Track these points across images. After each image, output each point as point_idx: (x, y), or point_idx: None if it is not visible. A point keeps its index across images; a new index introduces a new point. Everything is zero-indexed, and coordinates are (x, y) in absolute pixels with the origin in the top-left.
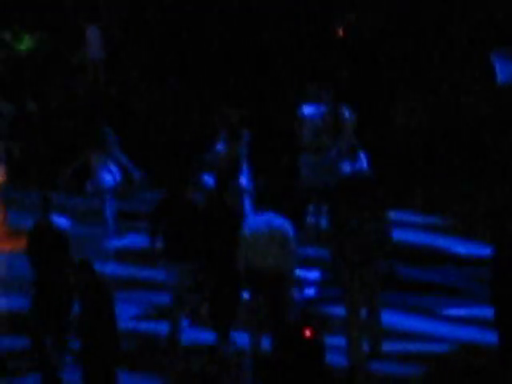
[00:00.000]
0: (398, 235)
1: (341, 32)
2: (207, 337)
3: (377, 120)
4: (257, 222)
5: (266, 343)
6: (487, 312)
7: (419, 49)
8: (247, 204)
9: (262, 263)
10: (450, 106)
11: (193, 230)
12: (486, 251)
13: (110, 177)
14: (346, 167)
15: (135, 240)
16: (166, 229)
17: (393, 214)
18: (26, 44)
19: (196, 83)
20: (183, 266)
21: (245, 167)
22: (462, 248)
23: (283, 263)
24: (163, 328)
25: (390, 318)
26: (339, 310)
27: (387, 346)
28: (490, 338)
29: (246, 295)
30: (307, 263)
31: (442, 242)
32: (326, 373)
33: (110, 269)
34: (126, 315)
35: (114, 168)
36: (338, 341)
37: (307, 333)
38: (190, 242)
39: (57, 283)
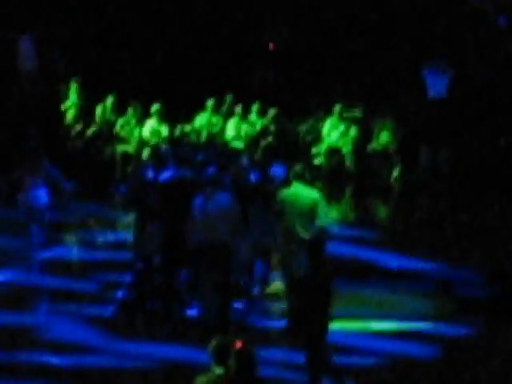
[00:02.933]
0: (330, 248)
1: (271, 46)
2: None
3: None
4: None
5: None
6: (418, 326)
7: (351, 63)
8: None
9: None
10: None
11: None
12: (417, 265)
13: (42, 191)
14: None
15: (64, 252)
16: None
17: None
18: None
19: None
20: None
21: None
22: (393, 262)
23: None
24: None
25: None
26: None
27: None
28: (421, 351)
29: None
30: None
31: (372, 256)
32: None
33: (38, 280)
34: (55, 327)
35: (44, 181)
36: (274, 353)
37: (238, 344)
38: None
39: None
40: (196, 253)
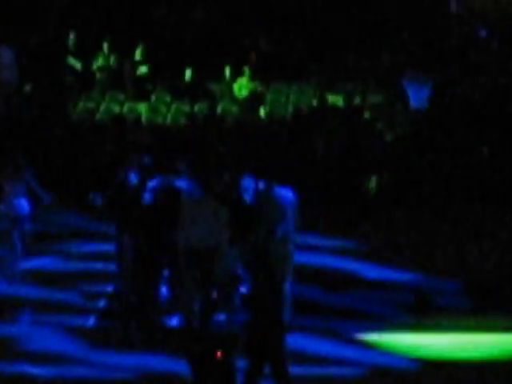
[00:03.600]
0: (308, 259)
1: (253, 57)
2: None
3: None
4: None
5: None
6: (398, 336)
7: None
8: None
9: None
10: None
11: None
12: (395, 276)
13: (24, 201)
14: None
15: (45, 262)
16: None
17: (301, 238)
18: None
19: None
20: None
21: None
22: (371, 272)
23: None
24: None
25: (301, 342)
26: None
27: (299, 370)
28: (399, 362)
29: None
30: None
31: (351, 266)
32: None
33: (19, 291)
34: (36, 337)
35: (25, 191)
36: None
37: (218, 354)
38: None
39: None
40: (182, 258)
